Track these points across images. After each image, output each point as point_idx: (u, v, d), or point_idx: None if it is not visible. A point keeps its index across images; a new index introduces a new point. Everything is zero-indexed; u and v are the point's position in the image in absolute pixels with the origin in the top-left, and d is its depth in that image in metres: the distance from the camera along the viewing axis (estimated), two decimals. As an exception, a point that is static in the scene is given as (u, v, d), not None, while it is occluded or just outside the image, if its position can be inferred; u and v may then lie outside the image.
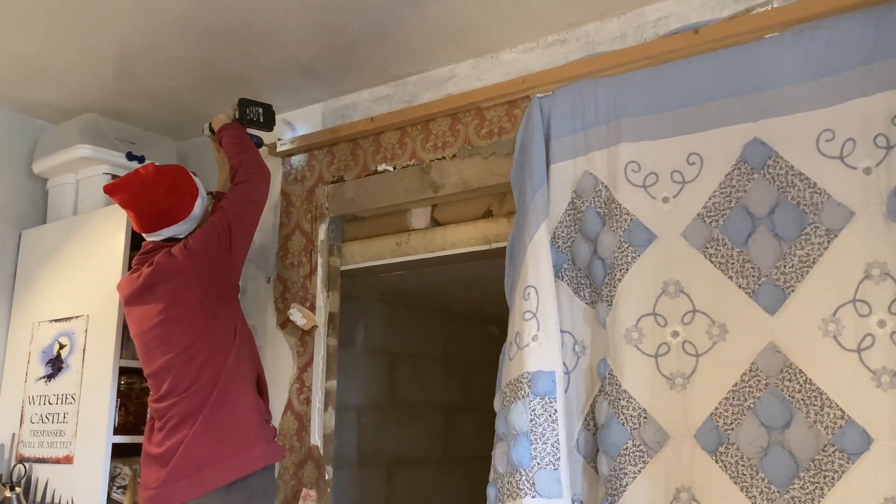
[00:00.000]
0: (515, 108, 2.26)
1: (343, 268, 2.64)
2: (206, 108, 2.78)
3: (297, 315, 2.56)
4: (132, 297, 2.18)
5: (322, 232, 2.62)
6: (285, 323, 2.63)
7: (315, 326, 2.55)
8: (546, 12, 2.15)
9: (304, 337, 2.58)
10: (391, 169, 2.51)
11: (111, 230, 2.53)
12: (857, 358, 1.65)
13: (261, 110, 2.42)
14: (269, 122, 2.44)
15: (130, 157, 2.74)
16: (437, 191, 2.38)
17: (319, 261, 2.60)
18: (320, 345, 2.55)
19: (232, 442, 2.04)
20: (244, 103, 2.41)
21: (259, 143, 2.51)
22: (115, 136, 2.79)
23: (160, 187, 2.18)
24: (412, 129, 2.48)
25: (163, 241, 2.22)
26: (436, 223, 2.48)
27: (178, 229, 2.22)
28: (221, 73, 2.54)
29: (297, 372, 2.57)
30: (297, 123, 2.79)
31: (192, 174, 2.29)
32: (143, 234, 2.26)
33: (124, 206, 2.22)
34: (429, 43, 2.32)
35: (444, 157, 2.39)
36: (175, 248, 2.15)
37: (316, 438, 2.49)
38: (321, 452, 2.48)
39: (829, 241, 1.71)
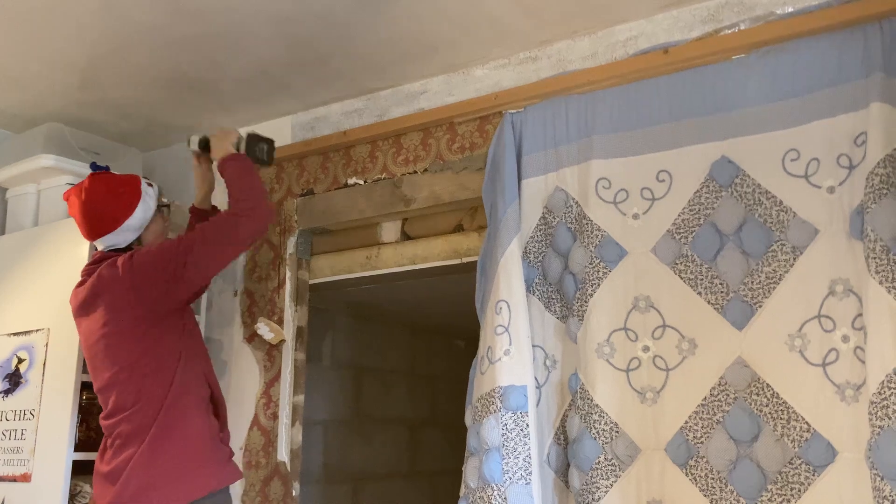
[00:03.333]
0: (487, 123, 2.27)
1: (312, 281, 2.62)
2: (173, 118, 2.74)
3: (265, 329, 2.53)
4: (79, 309, 2.10)
5: (291, 245, 2.60)
6: (252, 337, 2.60)
7: (283, 341, 2.52)
8: (517, 30, 2.17)
9: (271, 351, 2.55)
10: (362, 182, 2.50)
11: (73, 241, 2.47)
12: (821, 372, 1.69)
13: (266, 147, 2.28)
14: (271, 159, 2.30)
15: (95, 167, 2.67)
16: (409, 205, 2.37)
17: (288, 274, 2.58)
18: (288, 359, 2.52)
19: (181, 464, 1.96)
20: (253, 139, 2.25)
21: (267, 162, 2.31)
22: (79, 146, 2.73)
23: (100, 191, 2.10)
24: (383, 142, 2.48)
25: (110, 251, 2.13)
26: (406, 237, 2.48)
27: (116, 238, 2.12)
28: (190, 84, 2.51)
29: (264, 387, 2.54)
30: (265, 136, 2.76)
31: (147, 184, 2.18)
32: (92, 242, 2.19)
33: (71, 209, 2.15)
34: (400, 57, 2.32)
35: (415, 172, 2.39)
36: (121, 258, 2.04)
37: (283, 454, 2.46)
38: (288, 468, 2.45)
39: (794, 258, 1.75)
